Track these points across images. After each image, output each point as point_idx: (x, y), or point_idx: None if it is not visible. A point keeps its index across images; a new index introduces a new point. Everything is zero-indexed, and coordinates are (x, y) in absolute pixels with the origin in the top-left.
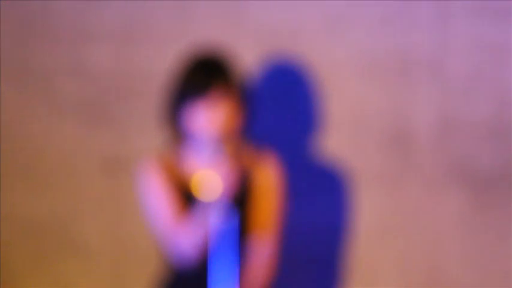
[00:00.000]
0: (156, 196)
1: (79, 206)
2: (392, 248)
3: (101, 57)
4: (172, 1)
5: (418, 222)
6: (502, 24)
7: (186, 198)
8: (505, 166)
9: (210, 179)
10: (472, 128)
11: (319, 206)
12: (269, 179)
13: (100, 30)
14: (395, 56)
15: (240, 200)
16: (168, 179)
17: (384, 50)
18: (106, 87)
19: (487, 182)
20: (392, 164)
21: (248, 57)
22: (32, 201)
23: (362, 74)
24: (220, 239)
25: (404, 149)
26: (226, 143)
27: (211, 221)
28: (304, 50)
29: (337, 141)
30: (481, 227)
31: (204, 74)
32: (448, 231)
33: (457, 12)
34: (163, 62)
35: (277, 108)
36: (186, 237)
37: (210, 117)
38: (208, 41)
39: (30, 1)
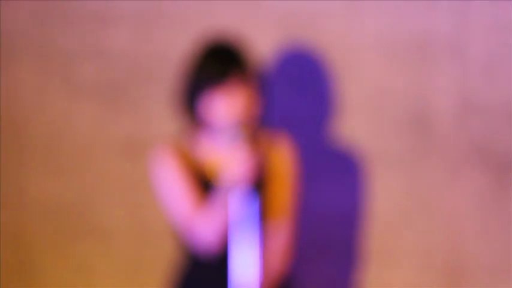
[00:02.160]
0: (172, 183)
1: (98, 189)
2: (411, 230)
3: (119, 41)
4: None
5: (438, 204)
6: None
7: (203, 185)
8: None
9: (229, 165)
10: (492, 110)
11: (336, 189)
12: (284, 163)
13: (118, 13)
14: (415, 38)
15: (257, 185)
16: (184, 165)
17: (403, 31)
18: (125, 69)
19: (507, 164)
20: (411, 147)
21: (266, 41)
22: (52, 184)
23: (381, 57)
24: (240, 224)
25: (423, 131)
26: (244, 129)
27: (231, 207)
28: (323, 33)
29: (356, 124)
30: (501, 208)
31: (221, 62)
32: (468, 213)
33: None
34: (181, 45)
35: (295, 92)
36: (205, 225)
37: (228, 105)
38: (224, 25)
39: None
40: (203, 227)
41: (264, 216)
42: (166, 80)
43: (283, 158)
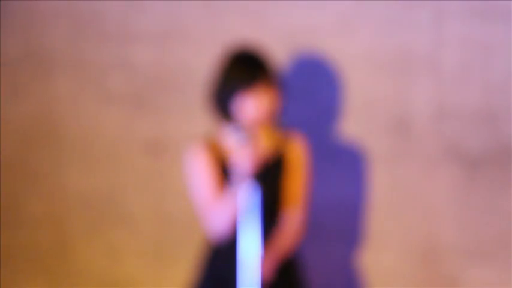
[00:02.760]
0: (198, 177)
1: (126, 182)
2: (397, 218)
3: (144, 54)
4: (205, 9)
5: (418, 195)
6: (488, 25)
7: (227, 175)
8: (492, 146)
9: (236, 161)
10: (464, 115)
11: (339, 181)
12: (298, 156)
13: (143, 32)
14: (399, 52)
15: (275, 174)
16: (212, 160)
17: (389, 46)
18: (148, 80)
19: (477, 160)
20: (396, 145)
21: (275, 52)
22: (87, 179)
23: (371, 68)
24: (248, 213)
25: (406, 132)
26: (266, 126)
27: (239, 199)
28: (322, 47)
29: (350, 126)
30: (473, 200)
31: (251, 68)
32: (444, 203)
33: (451, 14)
34: (199, 58)
35: (302, 97)
36: (217, 215)
37: (256, 105)
38: (240, 39)
39: (82, 6)
40: (215, 216)
41: (279, 201)
42: (184, 89)
43: (298, 153)
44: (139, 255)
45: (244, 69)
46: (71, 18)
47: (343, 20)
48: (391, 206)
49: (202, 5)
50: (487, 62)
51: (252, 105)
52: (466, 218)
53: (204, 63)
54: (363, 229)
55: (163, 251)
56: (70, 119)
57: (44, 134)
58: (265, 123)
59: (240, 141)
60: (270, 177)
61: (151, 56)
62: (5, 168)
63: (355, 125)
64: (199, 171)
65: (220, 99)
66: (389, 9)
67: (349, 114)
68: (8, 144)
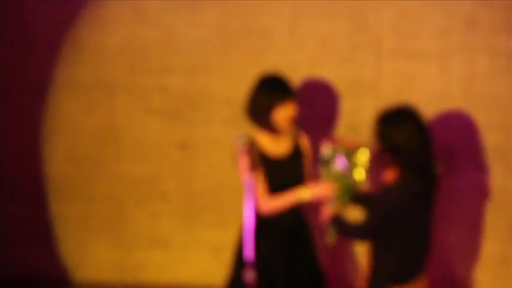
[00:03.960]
0: (247, 174)
1: (164, 170)
2: None
3: (177, 82)
4: (220, 49)
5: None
6: (414, 62)
7: (263, 161)
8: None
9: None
10: None
11: None
12: (307, 148)
13: (177, 64)
14: (352, 80)
15: (298, 157)
16: (255, 157)
17: (345, 76)
18: (180, 100)
19: None
20: None
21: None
22: (136, 167)
23: (334, 92)
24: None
25: (357, 135)
26: (290, 128)
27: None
28: (301, 76)
29: (324, 131)
30: None
31: (284, 88)
32: None
33: (387, 54)
34: (216, 85)
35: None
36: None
37: (288, 114)
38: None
39: (135, 45)
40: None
41: (302, 174)
42: (203, 107)
43: (307, 145)
44: (172, 221)
45: (277, 89)
46: (126, 54)
47: (313, 59)
48: None
49: (218, 46)
50: (412, 88)
51: (284, 115)
52: None
53: (220, 88)
54: None
55: (189, 219)
56: (125, 127)
57: (107, 137)
58: (290, 127)
59: (242, 145)
60: (298, 158)
61: (182, 83)
62: (80, 161)
63: (325, 129)
64: (246, 169)
65: (261, 111)
66: (345, 50)
67: (322, 121)
68: (82, 144)
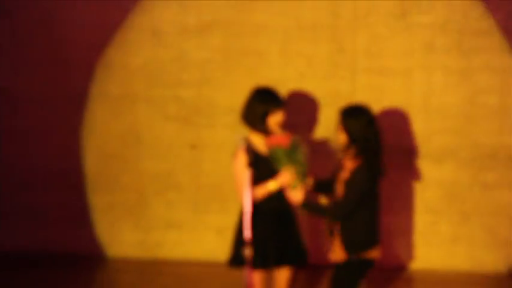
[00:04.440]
0: (239, 171)
1: (178, 166)
2: None
3: (189, 93)
4: (224, 67)
5: None
6: (381, 78)
7: (257, 158)
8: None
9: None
10: None
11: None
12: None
13: (188, 78)
14: (332, 93)
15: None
16: (250, 155)
17: (326, 90)
18: (191, 109)
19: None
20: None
21: None
22: (155, 164)
23: (316, 102)
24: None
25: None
26: (281, 130)
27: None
28: (292, 90)
29: (307, 134)
30: None
31: (277, 97)
32: None
33: (361, 72)
34: (221, 96)
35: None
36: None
37: (278, 120)
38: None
39: (155, 64)
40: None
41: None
42: (211, 114)
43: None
44: (184, 208)
45: (272, 98)
46: (147, 71)
47: (300, 74)
48: None
49: (222, 64)
50: (381, 99)
51: (275, 120)
52: None
53: (223, 99)
54: None
55: (198, 206)
56: (146, 130)
57: (131, 139)
58: (279, 130)
59: (241, 145)
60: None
61: (192, 94)
62: (109, 158)
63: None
64: (239, 168)
65: (257, 117)
66: (325, 68)
67: (306, 125)
68: (111, 145)
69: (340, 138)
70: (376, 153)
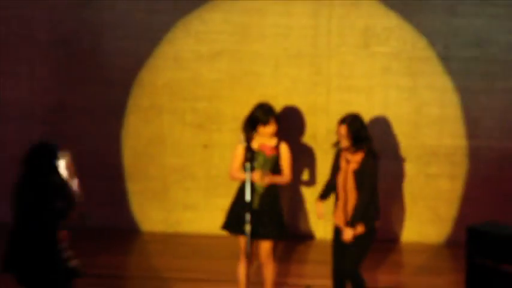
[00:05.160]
0: (233, 158)
1: (193, 161)
2: None
3: (202, 105)
4: (232, 86)
5: None
6: (349, 94)
7: (251, 154)
8: None
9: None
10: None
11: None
12: (285, 149)
13: (202, 93)
14: (310, 105)
15: (277, 158)
16: (242, 149)
17: (306, 104)
18: (204, 117)
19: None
20: (307, 146)
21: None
22: (174, 159)
23: (300, 113)
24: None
25: (315, 140)
26: (273, 136)
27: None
28: (281, 103)
29: (295, 138)
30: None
31: (268, 112)
32: None
33: (334, 89)
34: (227, 107)
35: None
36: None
37: (269, 131)
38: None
39: (179, 78)
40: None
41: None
42: (220, 122)
43: (285, 148)
44: (198, 194)
45: (264, 112)
46: (170, 88)
47: (288, 91)
48: None
49: (227, 83)
50: (349, 110)
51: (269, 130)
52: None
53: (229, 110)
54: None
55: (209, 192)
56: (169, 134)
57: (157, 140)
58: (272, 135)
59: (242, 143)
60: (275, 157)
61: (205, 106)
62: (140, 155)
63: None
64: (234, 155)
65: (253, 125)
66: (307, 86)
67: (293, 131)
68: (141, 145)
69: (343, 139)
70: (371, 146)
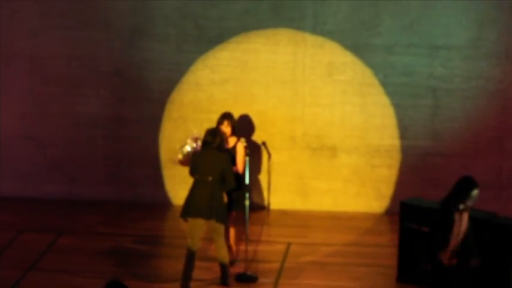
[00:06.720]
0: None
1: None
2: None
3: (215, 116)
4: (233, 98)
5: None
6: (318, 108)
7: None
8: None
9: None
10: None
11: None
12: (240, 147)
13: (214, 109)
14: (292, 117)
15: (234, 155)
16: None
17: (289, 115)
18: (215, 124)
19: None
20: (291, 139)
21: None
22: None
23: (284, 121)
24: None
25: (294, 142)
26: (230, 136)
27: None
28: (269, 117)
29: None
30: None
31: (222, 116)
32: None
33: (307, 105)
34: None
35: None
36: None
37: (225, 130)
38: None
39: (195, 101)
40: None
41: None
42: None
43: (241, 146)
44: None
45: (221, 116)
46: (192, 104)
47: (275, 107)
48: None
49: (232, 102)
50: (318, 120)
51: (224, 129)
52: None
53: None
54: None
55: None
56: (179, 125)
57: (183, 141)
58: (229, 135)
59: (244, 143)
60: (233, 155)
61: (217, 117)
62: (172, 152)
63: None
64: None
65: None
66: (289, 103)
67: (280, 135)
68: (172, 145)
69: None
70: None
